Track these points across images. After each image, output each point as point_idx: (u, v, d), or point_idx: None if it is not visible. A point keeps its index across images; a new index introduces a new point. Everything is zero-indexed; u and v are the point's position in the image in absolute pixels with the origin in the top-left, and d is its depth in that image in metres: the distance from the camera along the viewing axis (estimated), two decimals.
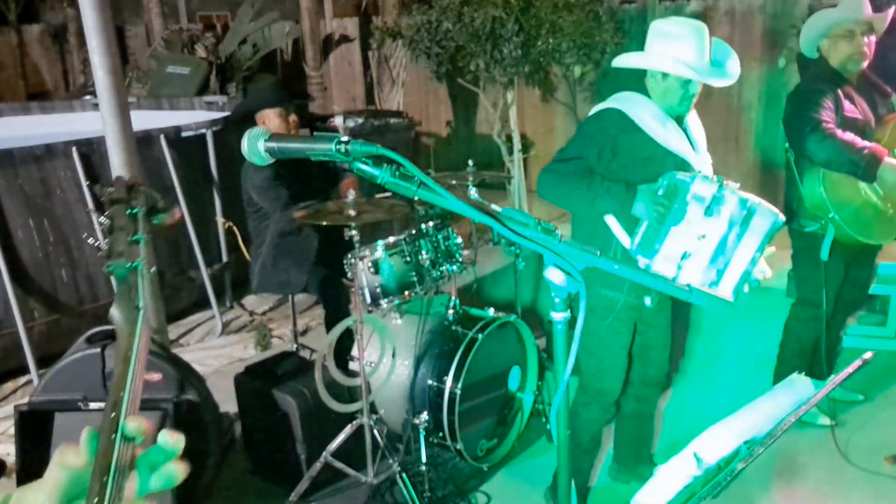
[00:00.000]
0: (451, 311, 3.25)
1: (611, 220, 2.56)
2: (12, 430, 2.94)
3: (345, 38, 9.58)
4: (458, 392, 2.97)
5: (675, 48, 2.48)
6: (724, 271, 2.34)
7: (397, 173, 1.08)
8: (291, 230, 3.67)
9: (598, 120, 2.58)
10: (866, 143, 2.90)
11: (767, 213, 2.34)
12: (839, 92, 3.00)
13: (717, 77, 2.51)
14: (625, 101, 2.57)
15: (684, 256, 2.37)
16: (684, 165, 2.52)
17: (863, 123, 3.01)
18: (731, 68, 2.55)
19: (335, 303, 3.71)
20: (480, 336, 3.07)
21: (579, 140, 2.59)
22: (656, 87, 2.55)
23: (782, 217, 2.37)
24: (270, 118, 3.64)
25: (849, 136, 2.90)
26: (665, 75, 2.50)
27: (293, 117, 3.71)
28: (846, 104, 3.00)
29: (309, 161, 1.48)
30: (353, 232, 2.89)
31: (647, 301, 2.64)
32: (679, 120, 2.59)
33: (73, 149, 4.39)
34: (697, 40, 2.48)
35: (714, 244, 2.32)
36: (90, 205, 4.28)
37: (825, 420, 3.34)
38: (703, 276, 2.34)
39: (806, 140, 2.92)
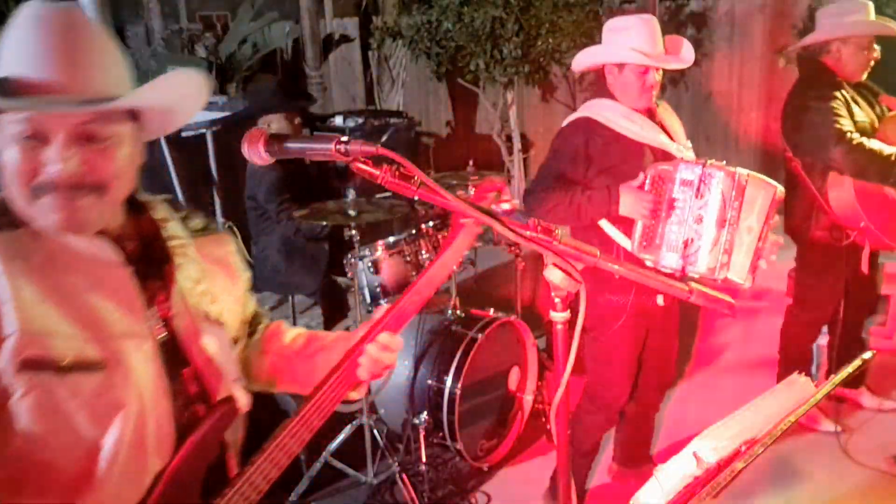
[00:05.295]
0: (450, 311, 3.25)
1: (606, 226, 2.53)
2: None
3: (345, 38, 9.57)
4: (458, 392, 2.97)
5: (625, 39, 2.49)
6: (733, 251, 2.33)
7: (397, 173, 1.08)
8: (302, 234, 3.66)
9: (566, 132, 2.57)
10: (893, 149, 2.84)
11: (760, 183, 2.34)
12: (847, 97, 2.94)
13: (671, 61, 2.52)
14: (590, 108, 2.57)
15: (688, 244, 2.35)
16: (665, 156, 2.51)
17: (870, 126, 2.96)
18: (685, 54, 2.56)
19: (334, 303, 3.71)
20: (480, 336, 3.06)
21: (553, 156, 2.58)
22: (615, 82, 2.55)
23: (781, 188, 2.36)
24: (274, 123, 3.64)
25: (875, 143, 2.84)
26: (621, 67, 2.50)
27: (297, 120, 3.71)
28: (855, 109, 2.94)
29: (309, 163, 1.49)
30: (353, 232, 2.89)
31: (660, 300, 2.58)
32: (651, 115, 2.58)
33: None
34: (647, 29, 2.49)
35: (713, 224, 2.31)
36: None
37: (829, 426, 3.30)
38: (712, 261, 2.32)
39: (832, 152, 2.83)
